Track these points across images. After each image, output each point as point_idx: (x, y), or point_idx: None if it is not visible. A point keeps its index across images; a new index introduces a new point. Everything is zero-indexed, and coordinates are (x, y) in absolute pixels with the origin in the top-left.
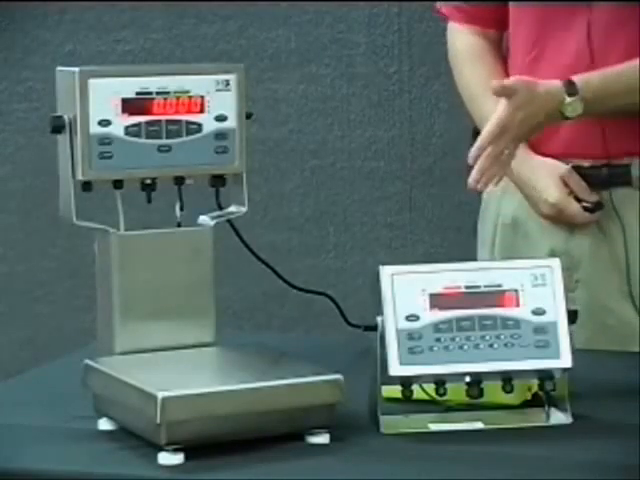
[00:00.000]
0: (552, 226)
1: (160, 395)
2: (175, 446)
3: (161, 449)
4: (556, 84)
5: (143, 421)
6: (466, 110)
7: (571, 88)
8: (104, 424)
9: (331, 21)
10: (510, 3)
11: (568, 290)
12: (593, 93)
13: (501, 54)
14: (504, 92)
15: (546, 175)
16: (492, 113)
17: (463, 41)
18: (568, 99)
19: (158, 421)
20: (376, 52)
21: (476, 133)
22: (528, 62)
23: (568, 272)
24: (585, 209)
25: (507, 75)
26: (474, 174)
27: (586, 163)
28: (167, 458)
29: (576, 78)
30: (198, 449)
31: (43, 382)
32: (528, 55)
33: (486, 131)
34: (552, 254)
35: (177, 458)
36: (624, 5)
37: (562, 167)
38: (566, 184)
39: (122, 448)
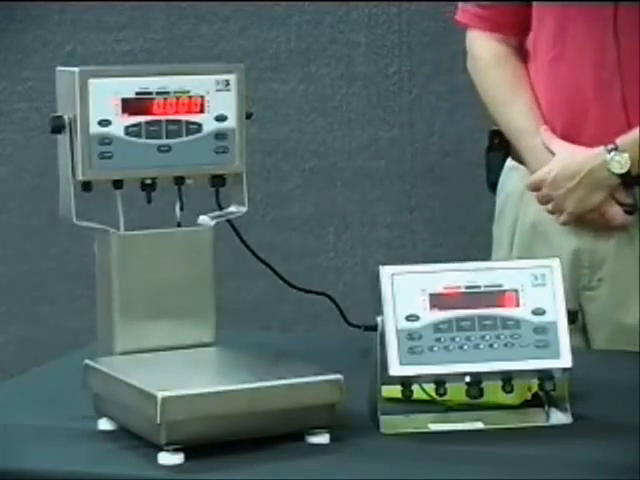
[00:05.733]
0: (575, 226)
1: (160, 395)
2: (175, 446)
3: (161, 449)
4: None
5: (143, 421)
6: (483, 113)
7: (611, 146)
8: (104, 424)
9: (331, 21)
10: (534, 3)
11: (588, 289)
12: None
13: (522, 59)
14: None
15: None
16: (518, 118)
17: (485, 48)
18: (608, 156)
19: (158, 421)
20: (376, 52)
21: (493, 134)
22: (548, 62)
23: (591, 270)
24: (625, 211)
25: (530, 80)
26: None
27: None
28: (167, 458)
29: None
30: (198, 449)
31: (43, 382)
32: (548, 54)
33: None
34: (577, 253)
35: (177, 458)
36: None
37: None
38: None
39: (122, 448)
